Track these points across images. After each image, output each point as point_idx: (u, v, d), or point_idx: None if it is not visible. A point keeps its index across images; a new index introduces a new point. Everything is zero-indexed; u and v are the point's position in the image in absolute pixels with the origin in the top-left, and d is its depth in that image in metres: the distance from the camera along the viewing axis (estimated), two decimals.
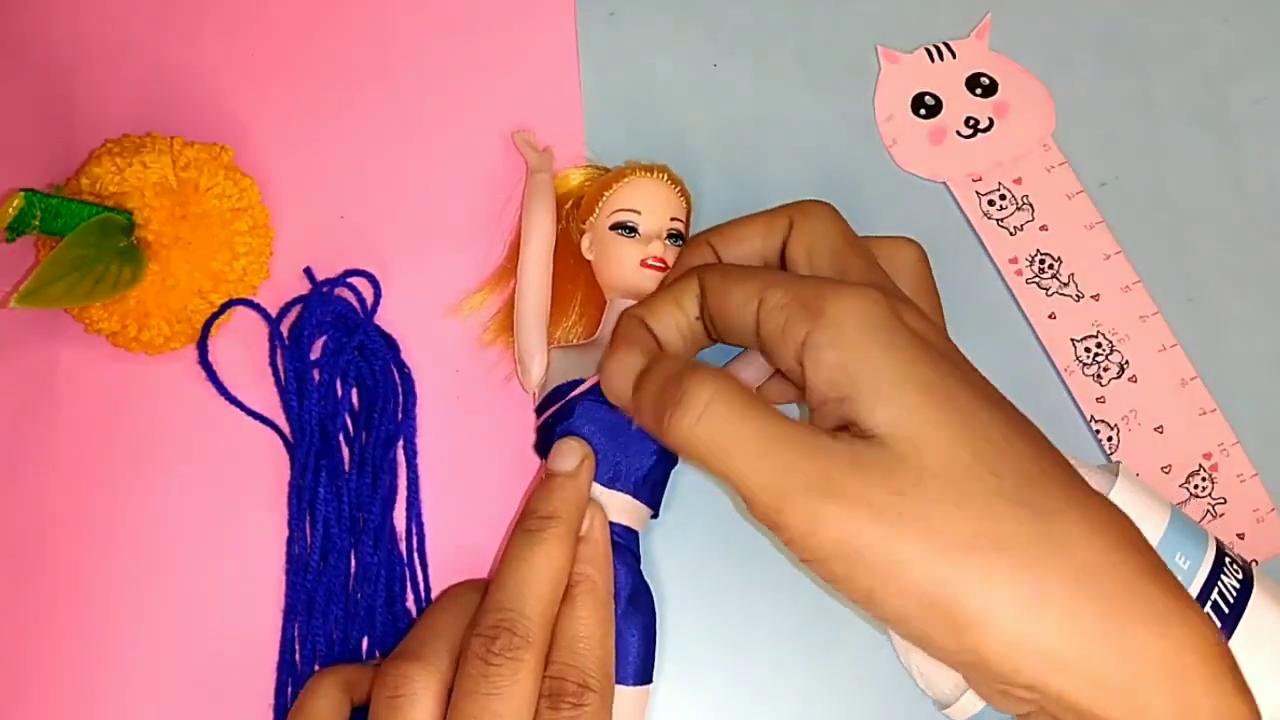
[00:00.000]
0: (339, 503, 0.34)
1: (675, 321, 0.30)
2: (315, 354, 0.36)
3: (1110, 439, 0.37)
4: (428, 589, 0.34)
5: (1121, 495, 0.31)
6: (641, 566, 0.32)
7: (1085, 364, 0.38)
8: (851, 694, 0.34)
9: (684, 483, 0.36)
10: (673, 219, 0.34)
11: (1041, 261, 0.39)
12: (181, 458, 0.36)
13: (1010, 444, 0.25)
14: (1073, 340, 0.38)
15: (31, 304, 0.31)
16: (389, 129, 0.39)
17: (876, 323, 0.26)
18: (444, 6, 0.41)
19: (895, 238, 0.33)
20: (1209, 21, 0.42)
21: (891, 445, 0.24)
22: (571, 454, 0.31)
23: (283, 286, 0.37)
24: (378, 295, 0.37)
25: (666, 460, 0.32)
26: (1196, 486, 0.37)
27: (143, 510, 0.35)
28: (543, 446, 0.33)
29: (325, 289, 0.36)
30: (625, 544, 0.32)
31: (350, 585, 0.34)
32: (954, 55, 0.41)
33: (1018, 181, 0.40)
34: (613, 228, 0.34)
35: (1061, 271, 0.39)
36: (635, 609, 0.31)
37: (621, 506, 0.32)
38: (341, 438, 0.35)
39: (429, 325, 0.37)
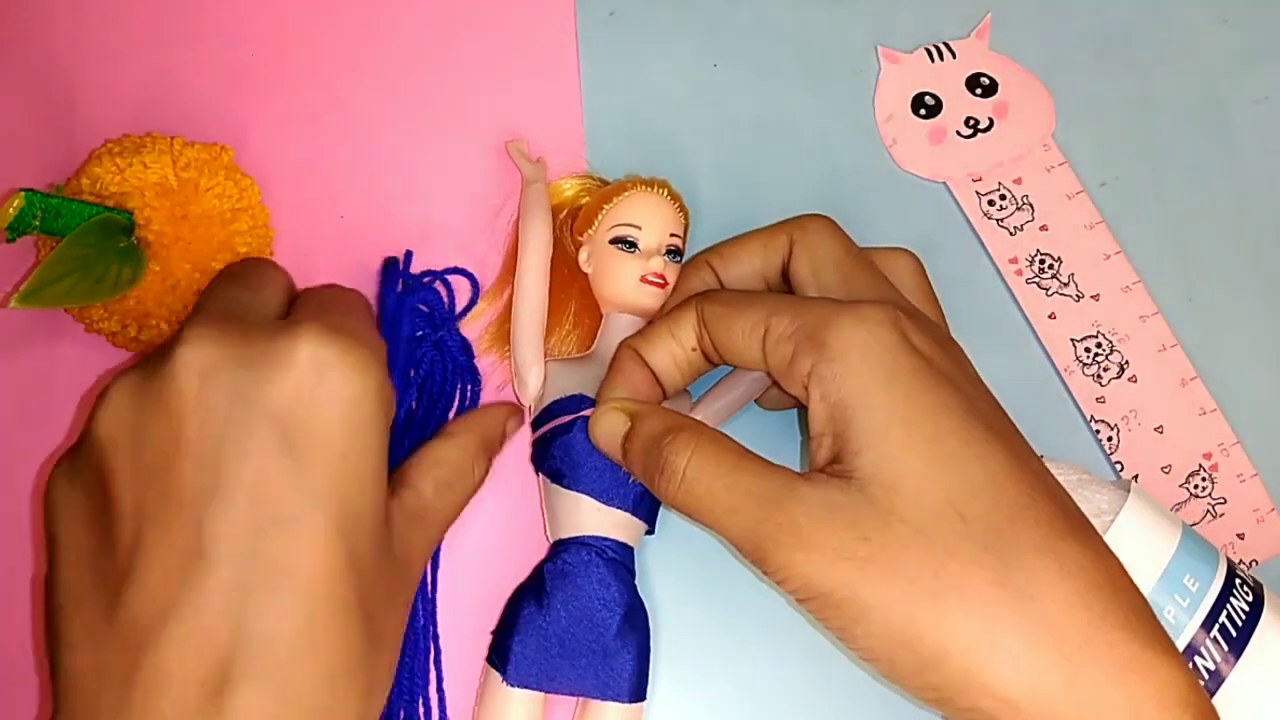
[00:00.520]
0: None
1: (671, 354, 0.31)
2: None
3: (1110, 439, 0.37)
4: (434, 590, 0.34)
5: (1132, 514, 0.31)
6: (636, 582, 0.32)
7: (1085, 364, 0.38)
8: (848, 708, 0.34)
9: None
10: (672, 234, 0.34)
11: (1041, 261, 0.39)
12: None
13: (991, 483, 0.25)
14: (1073, 340, 0.38)
15: (32, 304, 0.31)
16: (389, 129, 0.39)
17: (878, 351, 0.26)
18: (444, 7, 0.41)
19: (891, 249, 0.33)
20: (1209, 21, 0.42)
21: (867, 489, 0.25)
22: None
23: None
24: (474, 298, 0.37)
25: None
26: (1196, 486, 0.37)
27: None
28: (539, 460, 0.33)
29: (427, 279, 0.36)
30: (621, 560, 0.31)
31: None
32: (954, 55, 0.41)
33: (1018, 181, 0.40)
34: (612, 242, 0.33)
35: (1061, 271, 0.39)
36: (630, 627, 0.31)
37: (618, 523, 0.32)
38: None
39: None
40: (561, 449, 0.32)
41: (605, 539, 0.31)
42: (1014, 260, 0.39)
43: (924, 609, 0.24)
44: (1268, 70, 0.42)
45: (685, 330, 0.31)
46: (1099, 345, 0.38)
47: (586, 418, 0.31)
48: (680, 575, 0.35)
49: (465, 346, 0.36)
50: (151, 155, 0.35)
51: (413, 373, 0.35)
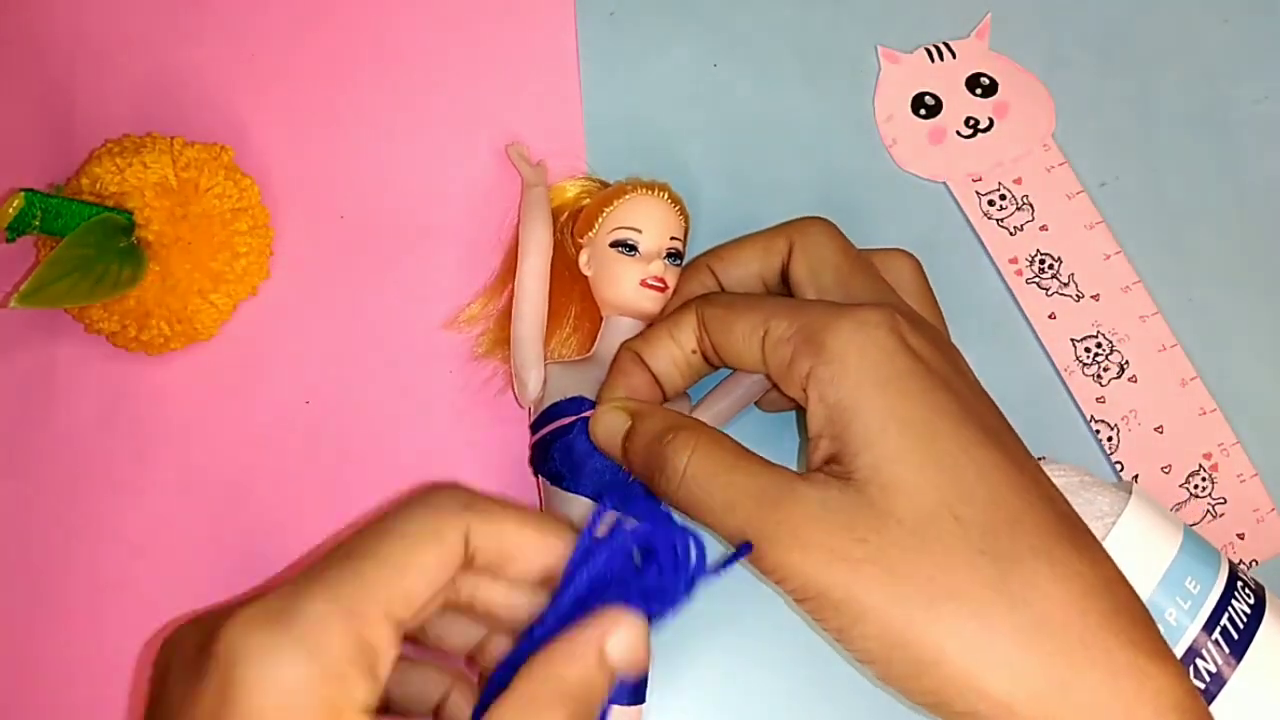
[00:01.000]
0: None
1: (671, 357, 0.31)
2: None
3: (1110, 439, 0.37)
4: None
5: (1134, 516, 0.31)
6: None
7: (1085, 364, 0.38)
8: (848, 711, 0.34)
9: None
10: (672, 238, 0.34)
11: (1041, 261, 0.39)
12: (181, 458, 0.36)
13: (988, 486, 0.25)
14: (1073, 340, 0.38)
15: (31, 304, 0.31)
16: (389, 129, 0.39)
17: (876, 354, 0.26)
18: (444, 6, 0.41)
19: (889, 250, 0.33)
20: (1209, 21, 0.42)
21: (865, 489, 0.25)
22: None
23: (283, 286, 0.37)
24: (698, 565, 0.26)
25: None
26: (1196, 486, 0.37)
27: (142, 510, 0.35)
28: (538, 462, 0.33)
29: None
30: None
31: None
32: (954, 55, 0.41)
33: (1018, 181, 0.40)
34: (613, 245, 0.33)
35: (1061, 271, 0.39)
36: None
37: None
38: None
39: (428, 326, 0.37)
40: (561, 451, 0.32)
41: None
42: (1014, 260, 0.39)
43: (921, 612, 0.24)
44: (1268, 70, 0.42)
45: (685, 333, 0.31)
46: (1099, 345, 0.38)
47: (587, 419, 0.31)
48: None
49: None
50: (151, 155, 0.35)
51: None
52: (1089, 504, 0.32)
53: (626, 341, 0.32)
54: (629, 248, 0.33)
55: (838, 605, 0.25)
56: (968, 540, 0.24)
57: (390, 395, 0.36)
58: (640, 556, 0.25)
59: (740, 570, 0.34)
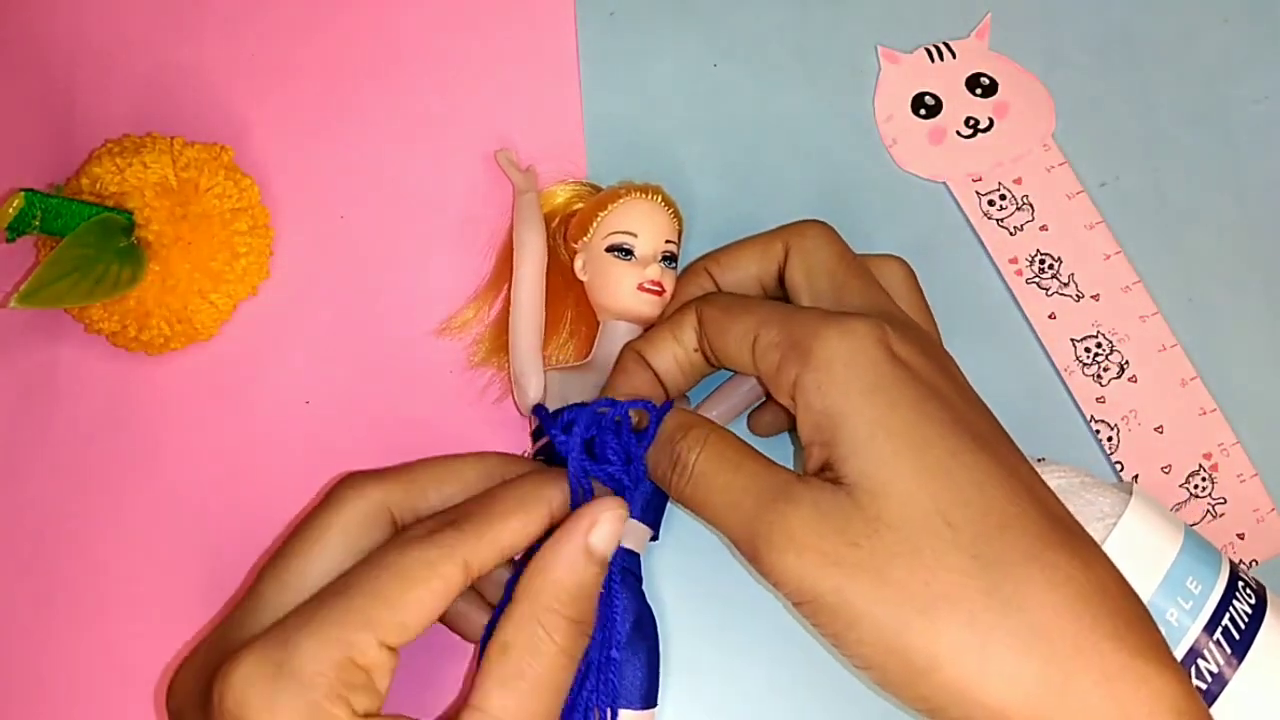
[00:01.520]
0: None
1: (674, 355, 0.31)
2: None
3: (1110, 439, 0.37)
4: None
5: (1135, 516, 0.31)
6: (644, 589, 0.32)
7: (1085, 364, 0.38)
8: (856, 710, 0.34)
9: None
10: (667, 241, 0.34)
11: (1041, 261, 0.39)
12: (181, 458, 0.36)
13: (979, 492, 0.25)
14: (1073, 340, 0.38)
15: (31, 304, 0.31)
16: (389, 129, 0.39)
17: (863, 363, 0.26)
18: (444, 6, 0.41)
19: (884, 256, 0.33)
20: (1209, 21, 0.42)
21: (856, 495, 0.25)
22: None
23: (283, 286, 0.37)
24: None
25: None
26: (1196, 486, 0.37)
27: (143, 510, 0.35)
28: None
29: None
30: (629, 567, 0.31)
31: None
32: (954, 55, 0.41)
33: (1018, 181, 0.40)
34: (608, 250, 0.33)
35: (1061, 271, 0.39)
36: (639, 635, 0.31)
37: (626, 530, 0.31)
38: None
39: (428, 326, 0.37)
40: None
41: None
42: (1014, 260, 0.39)
43: (914, 617, 0.24)
44: (1268, 70, 0.42)
45: (686, 332, 0.31)
46: (1099, 345, 0.38)
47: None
48: (687, 582, 0.35)
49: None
50: (151, 155, 0.35)
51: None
52: (1089, 505, 0.32)
53: (629, 342, 0.32)
54: (624, 252, 0.33)
55: (832, 609, 0.25)
56: (959, 546, 0.24)
57: (390, 396, 0.36)
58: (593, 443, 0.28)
59: (748, 577, 0.35)
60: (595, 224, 0.34)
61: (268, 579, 0.26)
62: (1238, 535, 0.37)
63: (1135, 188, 0.40)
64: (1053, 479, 0.32)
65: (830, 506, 0.25)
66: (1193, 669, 0.30)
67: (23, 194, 0.31)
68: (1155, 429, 0.37)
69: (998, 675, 0.24)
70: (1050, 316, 0.38)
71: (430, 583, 0.24)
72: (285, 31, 0.40)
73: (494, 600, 0.31)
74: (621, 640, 0.30)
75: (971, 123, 0.40)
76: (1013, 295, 0.39)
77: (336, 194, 0.38)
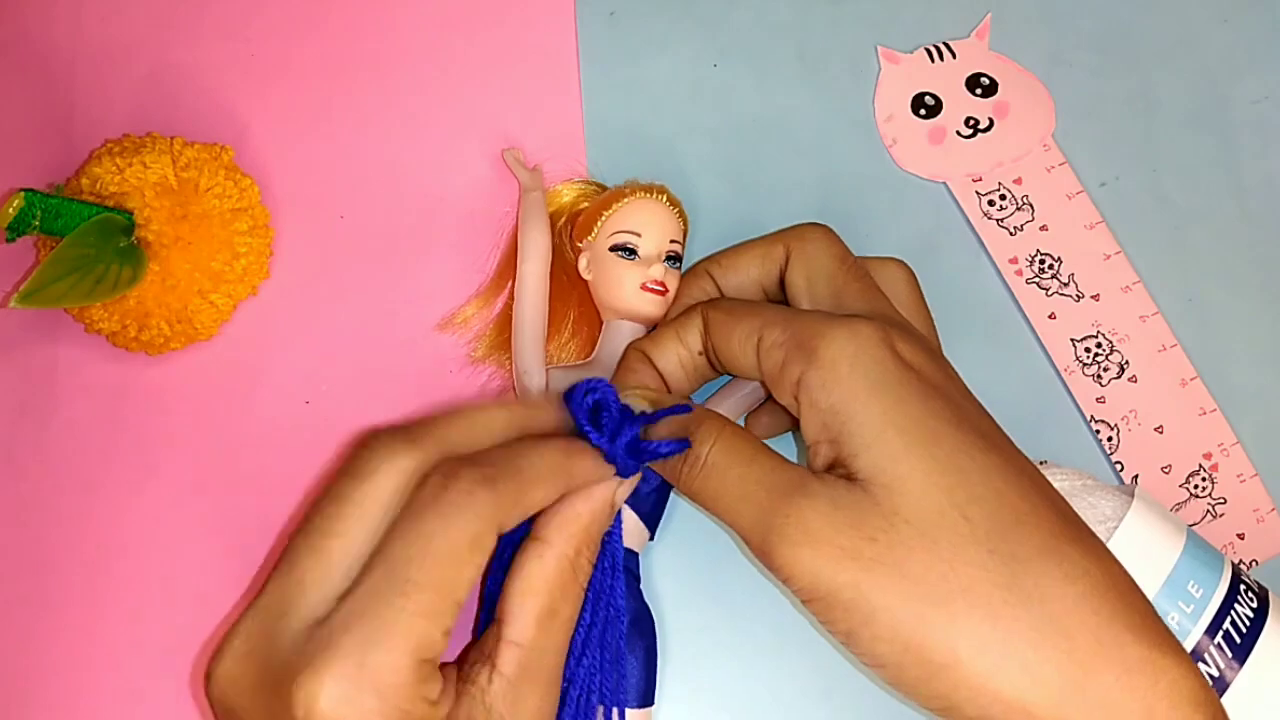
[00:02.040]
0: None
1: (678, 356, 0.31)
2: None
3: (1110, 439, 0.37)
4: None
5: (1136, 519, 0.31)
6: (641, 588, 0.32)
7: (1085, 364, 0.38)
8: (855, 712, 0.34)
9: (679, 499, 0.35)
10: (672, 241, 0.34)
11: (1041, 261, 0.39)
12: (181, 458, 0.36)
13: (991, 488, 0.25)
14: (1073, 340, 0.38)
15: (31, 304, 0.31)
16: (389, 129, 0.39)
17: (868, 362, 0.26)
18: (444, 6, 0.41)
19: (884, 259, 0.33)
20: (1209, 21, 0.42)
21: (870, 490, 0.25)
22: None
23: (283, 286, 0.37)
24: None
25: (666, 484, 0.32)
26: (1196, 486, 0.37)
27: (143, 510, 0.35)
28: None
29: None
30: (628, 566, 0.31)
31: None
32: (954, 55, 0.41)
33: (1018, 181, 0.40)
34: (612, 249, 0.34)
35: (1061, 271, 0.39)
36: (637, 633, 0.31)
37: (626, 530, 0.31)
38: None
39: (429, 326, 0.37)
40: None
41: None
42: (1014, 260, 0.39)
43: (933, 612, 0.24)
44: (1268, 70, 0.42)
45: (691, 334, 0.31)
46: (1099, 345, 0.38)
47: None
48: (685, 580, 0.35)
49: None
50: (151, 155, 0.35)
51: None
52: (1091, 508, 0.32)
53: (634, 342, 0.32)
54: (628, 251, 0.33)
55: (847, 605, 0.25)
56: (977, 540, 0.24)
57: (390, 395, 0.36)
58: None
59: (747, 575, 0.35)
60: (600, 223, 0.34)
61: (305, 555, 0.25)
62: (1238, 535, 0.37)
63: (1135, 188, 0.40)
64: (1055, 482, 0.32)
65: (846, 501, 0.25)
66: None
67: (23, 194, 0.31)
68: (1155, 429, 0.37)
69: (1019, 670, 0.23)
70: (1050, 316, 0.38)
71: (476, 559, 0.24)
72: (285, 31, 0.40)
73: None
74: (624, 629, 0.30)
75: (971, 123, 0.40)
76: (1013, 295, 0.39)
77: (336, 194, 0.38)
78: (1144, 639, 0.24)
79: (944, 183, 0.40)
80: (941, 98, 0.41)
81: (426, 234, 0.38)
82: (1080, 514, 0.27)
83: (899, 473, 0.25)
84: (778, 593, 0.34)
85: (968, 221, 0.39)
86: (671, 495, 0.34)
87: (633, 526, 0.32)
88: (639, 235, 0.33)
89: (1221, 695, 0.30)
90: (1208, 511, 0.37)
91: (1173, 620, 0.30)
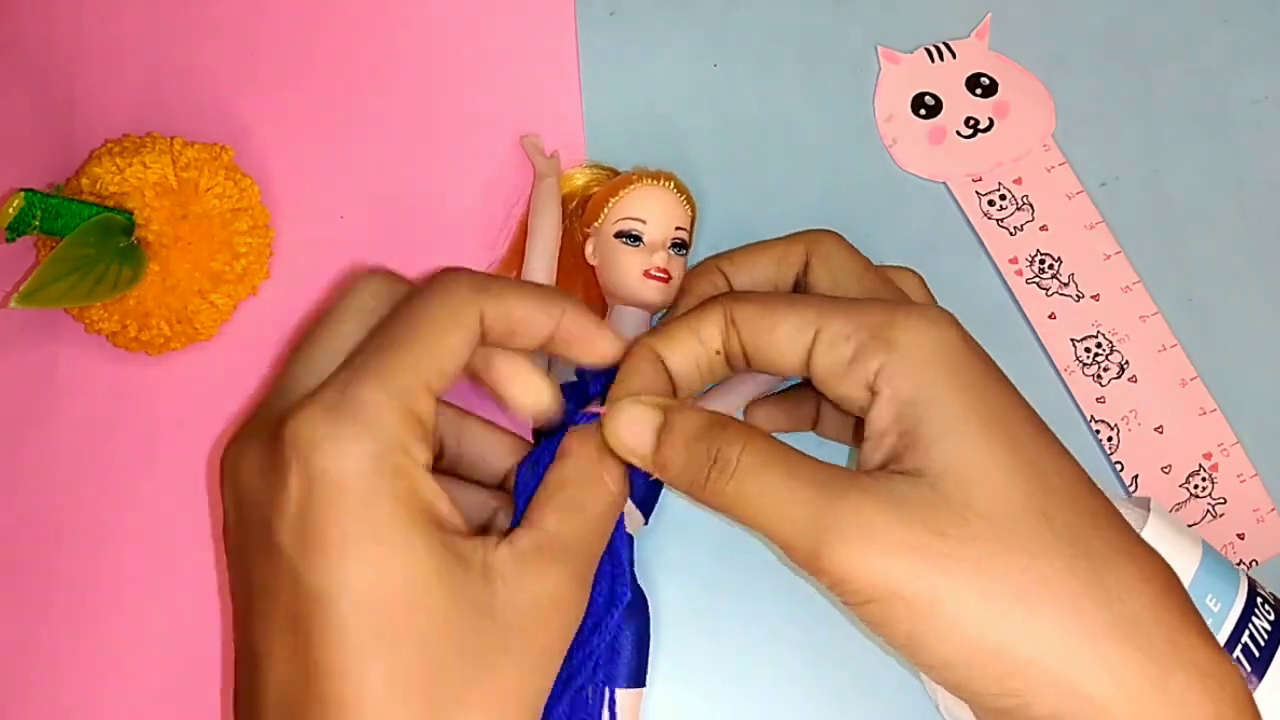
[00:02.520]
0: None
1: (694, 355, 0.29)
2: None
3: (1110, 439, 0.37)
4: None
5: (1154, 532, 0.31)
6: (636, 570, 0.32)
7: (1085, 364, 0.38)
8: (846, 694, 0.34)
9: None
10: (677, 228, 0.34)
11: (1041, 261, 0.39)
12: (181, 458, 0.36)
13: (1067, 486, 0.25)
14: (1073, 340, 0.38)
15: (31, 304, 0.31)
16: (389, 129, 0.39)
17: (948, 352, 0.26)
18: (444, 6, 0.41)
19: (897, 267, 0.33)
20: (1209, 21, 0.42)
21: (938, 484, 0.24)
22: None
23: (283, 286, 0.37)
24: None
25: None
26: (1196, 486, 0.37)
27: (143, 510, 0.35)
28: None
29: None
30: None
31: None
32: (954, 55, 0.41)
33: (1018, 181, 0.40)
34: (617, 235, 0.34)
35: (1061, 271, 0.39)
36: (630, 613, 0.31)
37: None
38: None
39: None
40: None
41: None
42: (1014, 260, 0.39)
43: (1014, 608, 0.23)
44: (1268, 70, 0.42)
45: (711, 331, 0.29)
46: (1099, 345, 0.38)
47: (591, 414, 0.31)
48: (677, 563, 0.35)
49: None
50: (151, 155, 0.35)
51: None
52: None
53: (643, 338, 0.30)
54: (633, 238, 0.33)
55: (912, 605, 0.23)
56: (1058, 537, 0.24)
57: None
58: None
59: (732, 558, 0.35)
60: (606, 209, 0.34)
61: (298, 356, 0.27)
62: (1238, 535, 0.37)
63: (1135, 188, 0.40)
64: None
65: (910, 496, 0.24)
66: None
67: (23, 194, 0.31)
68: (1155, 429, 0.37)
69: (1101, 668, 0.23)
70: (1050, 316, 0.38)
71: (459, 330, 0.26)
72: (285, 32, 0.40)
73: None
74: (624, 601, 0.29)
75: (971, 123, 0.40)
76: (1013, 295, 0.39)
77: (336, 194, 0.38)
78: (1209, 645, 0.24)
79: (944, 183, 0.40)
80: (941, 98, 0.41)
81: (426, 234, 0.38)
82: None
83: (978, 465, 0.24)
84: (772, 573, 0.34)
85: (968, 221, 0.39)
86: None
87: (628, 511, 0.32)
88: (644, 222, 0.33)
89: None
90: (1208, 511, 0.37)
91: None
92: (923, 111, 0.41)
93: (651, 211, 0.34)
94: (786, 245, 0.32)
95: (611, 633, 0.29)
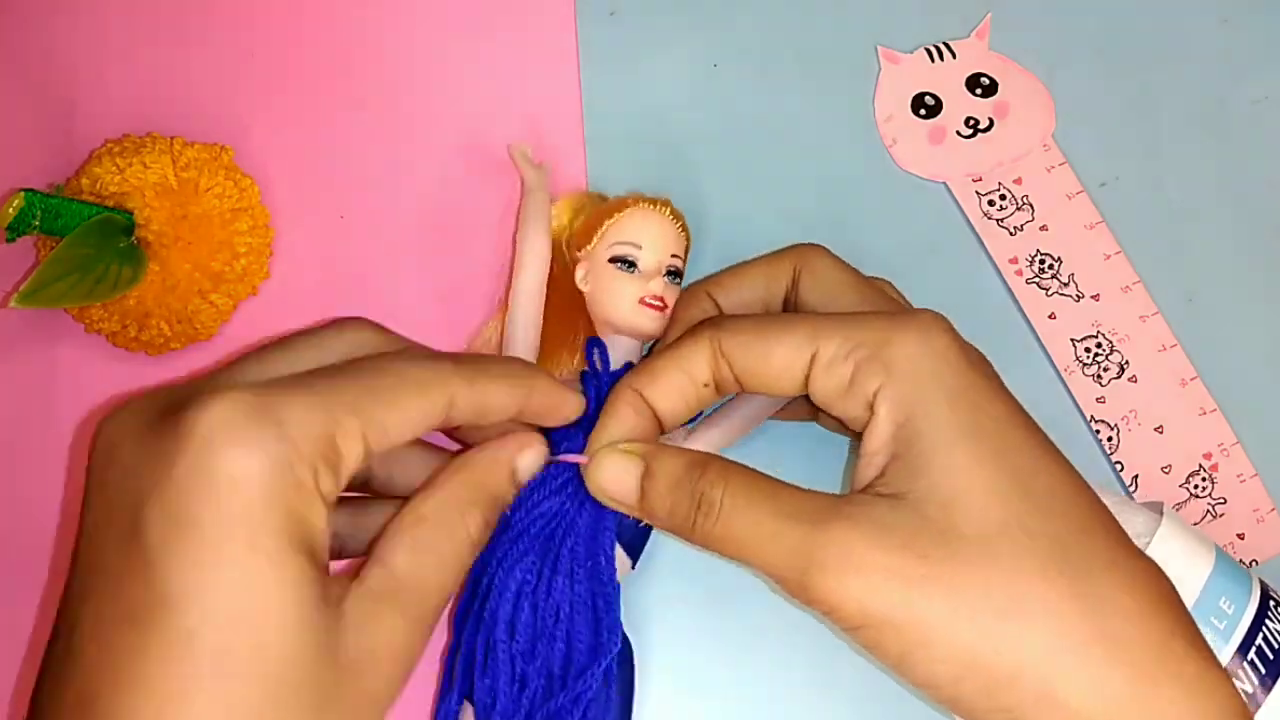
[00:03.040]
0: None
1: (681, 392, 0.29)
2: None
3: (1110, 439, 0.37)
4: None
5: (1166, 536, 0.31)
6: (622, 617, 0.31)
7: (1085, 364, 0.38)
8: (847, 698, 0.34)
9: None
10: (673, 255, 0.32)
11: (1041, 261, 0.39)
12: None
13: (1057, 497, 0.25)
14: (1073, 340, 0.38)
15: (31, 304, 0.31)
16: (389, 129, 0.39)
17: (943, 368, 0.26)
18: (444, 7, 0.41)
19: (874, 278, 0.32)
20: (1209, 21, 0.42)
21: (920, 506, 0.24)
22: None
23: (283, 286, 0.37)
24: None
25: None
26: (1196, 486, 0.37)
27: None
28: None
29: None
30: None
31: None
32: (954, 55, 0.41)
33: (1018, 181, 0.40)
34: (611, 260, 0.32)
35: (1061, 271, 0.39)
36: (618, 665, 0.30)
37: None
38: None
39: (428, 326, 0.37)
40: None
41: None
42: (1014, 260, 0.39)
43: (996, 624, 0.23)
44: (1268, 70, 0.42)
45: (698, 364, 0.28)
46: (1099, 345, 0.38)
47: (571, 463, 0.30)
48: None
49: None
50: (151, 155, 0.35)
51: None
52: (1126, 524, 0.31)
53: (625, 380, 0.29)
54: (628, 264, 0.32)
55: (899, 628, 0.24)
56: (1036, 552, 0.24)
57: None
58: None
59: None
60: (599, 233, 0.33)
61: (254, 357, 0.26)
62: (1238, 535, 0.37)
63: (1135, 188, 0.40)
64: None
65: (891, 520, 0.24)
66: None
67: (23, 194, 0.31)
68: (1155, 429, 0.37)
69: (1085, 681, 0.23)
70: (1050, 316, 0.38)
71: (420, 400, 0.25)
72: (285, 31, 0.40)
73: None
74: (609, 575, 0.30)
75: (971, 123, 0.40)
76: (1013, 295, 0.39)
77: (336, 194, 0.38)
78: (1199, 654, 0.24)
79: (944, 183, 0.40)
80: (941, 98, 0.41)
81: (426, 234, 0.38)
82: None
83: (960, 486, 0.24)
84: (763, 586, 0.34)
85: (968, 221, 0.39)
86: None
87: (615, 555, 0.31)
88: (639, 247, 0.32)
89: (1253, 714, 0.29)
90: (1208, 511, 0.37)
91: (1206, 637, 0.30)
92: (923, 111, 0.41)
93: (648, 236, 0.32)
94: (774, 263, 0.32)
95: (595, 681, 0.28)
